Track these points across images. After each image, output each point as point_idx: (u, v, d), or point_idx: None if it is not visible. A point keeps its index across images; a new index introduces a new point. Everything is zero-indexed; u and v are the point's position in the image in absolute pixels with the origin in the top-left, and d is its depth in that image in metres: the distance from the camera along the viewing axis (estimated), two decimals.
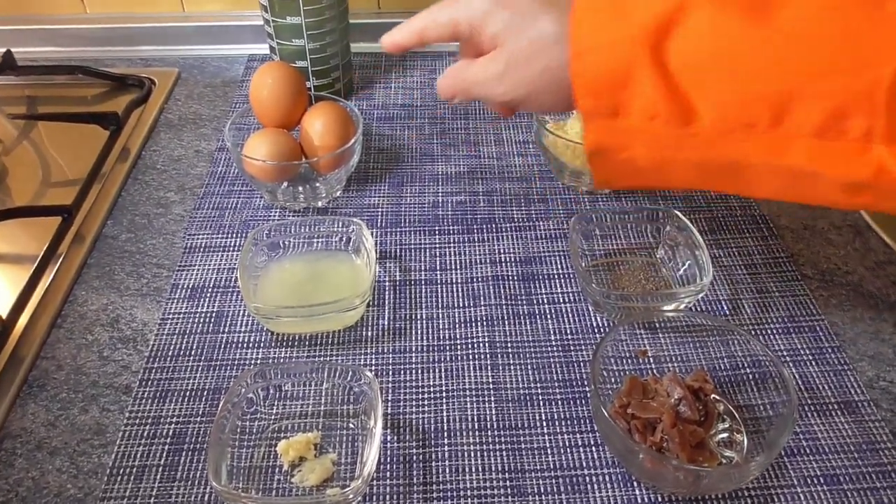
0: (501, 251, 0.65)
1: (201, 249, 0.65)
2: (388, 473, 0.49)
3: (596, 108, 0.42)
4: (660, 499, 0.48)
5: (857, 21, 0.36)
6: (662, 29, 0.39)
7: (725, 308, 0.60)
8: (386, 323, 0.59)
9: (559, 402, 0.53)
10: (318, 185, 0.68)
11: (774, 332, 0.58)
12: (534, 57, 0.46)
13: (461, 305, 0.60)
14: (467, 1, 0.49)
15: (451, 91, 0.52)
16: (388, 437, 0.51)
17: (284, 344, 0.57)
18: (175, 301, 0.60)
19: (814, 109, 0.37)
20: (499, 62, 0.47)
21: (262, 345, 0.57)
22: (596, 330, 0.58)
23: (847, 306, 0.61)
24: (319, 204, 0.70)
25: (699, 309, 0.60)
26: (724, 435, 0.51)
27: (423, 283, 0.62)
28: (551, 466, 0.50)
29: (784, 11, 0.38)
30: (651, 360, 0.55)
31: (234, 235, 0.67)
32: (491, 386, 0.54)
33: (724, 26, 0.39)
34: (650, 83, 0.40)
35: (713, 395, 0.52)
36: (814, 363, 0.56)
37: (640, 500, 0.48)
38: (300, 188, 0.68)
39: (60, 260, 0.64)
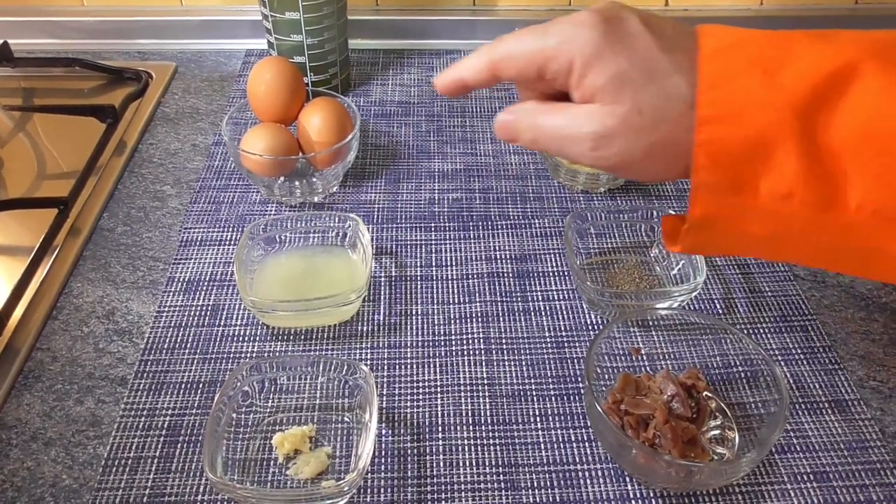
0: (497, 248, 0.65)
1: (197, 243, 0.65)
2: (382, 467, 0.49)
3: (715, 184, 0.36)
4: (651, 494, 0.48)
5: None
6: (819, 96, 0.33)
7: (718, 307, 0.61)
8: (381, 318, 0.59)
9: (553, 398, 0.54)
10: (314, 180, 0.69)
11: (767, 331, 0.59)
12: (655, 123, 0.37)
13: (456, 301, 0.61)
14: (565, 31, 0.38)
15: (517, 135, 0.41)
16: (383, 431, 0.51)
17: (280, 338, 0.58)
18: (171, 294, 0.61)
19: None
20: (603, 121, 0.37)
21: (257, 338, 0.58)
22: (590, 327, 0.59)
23: (838, 307, 0.62)
24: (316, 199, 0.70)
25: (692, 308, 0.61)
26: (716, 432, 0.51)
27: (418, 279, 0.63)
28: (544, 461, 0.50)
29: None
30: (644, 357, 0.56)
31: (231, 230, 0.67)
32: (485, 381, 0.55)
33: (894, 102, 0.32)
34: (792, 160, 0.34)
35: (705, 393, 0.52)
36: (805, 362, 0.57)
37: (631, 496, 0.48)
38: (297, 183, 0.68)
39: (56, 252, 0.64)
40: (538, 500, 0.48)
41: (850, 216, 0.34)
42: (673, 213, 0.63)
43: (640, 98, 0.36)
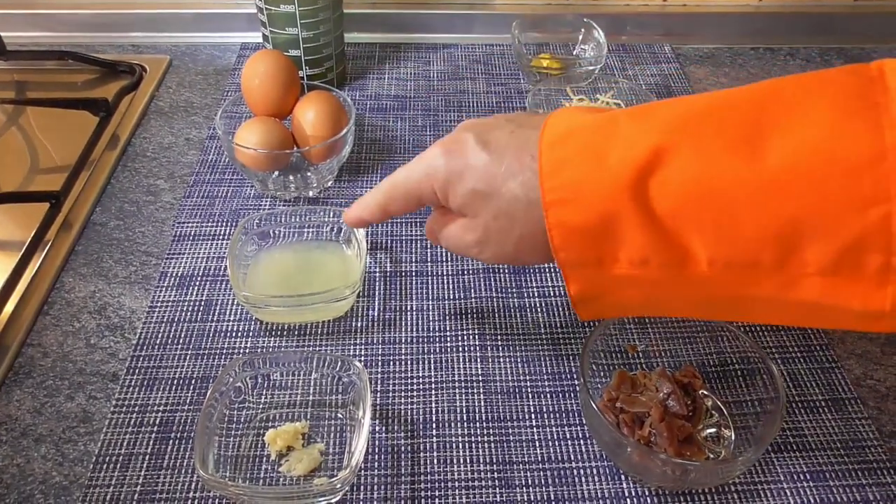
0: None
1: (191, 238, 0.65)
2: (376, 464, 0.49)
3: (578, 260, 0.40)
4: (647, 492, 0.48)
5: (858, 154, 0.33)
6: (643, 173, 0.37)
7: None
8: (376, 314, 0.59)
9: (548, 395, 0.53)
10: (309, 174, 0.68)
11: (763, 329, 0.59)
12: (509, 227, 0.43)
13: (451, 297, 0.60)
14: (421, 168, 0.46)
15: (435, 241, 0.50)
16: (377, 428, 0.51)
17: (273, 333, 0.57)
18: (163, 289, 0.60)
19: (824, 247, 0.34)
20: (475, 232, 0.45)
21: (250, 334, 0.57)
22: (585, 324, 0.58)
23: None
24: (310, 194, 0.69)
25: None
26: (712, 430, 0.51)
27: (413, 274, 0.62)
28: (539, 459, 0.50)
29: (773, 149, 0.35)
30: (640, 355, 0.55)
31: (224, 224, 0.66)
32: (480, 378, 0.54)
33: (710, 166, 0.36)
34: (637, 230, 0.37)
35: (702, 391, 0.52)
36: (802, 360, 0.56)
37: (626, 494, 0.48)
38: (291, 178, 0.68)
39: (48, 247, 0.63)
40: (532, 497, 0.47)
41: (707, 271, 0.37)
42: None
43: (490, 207, 0.43)
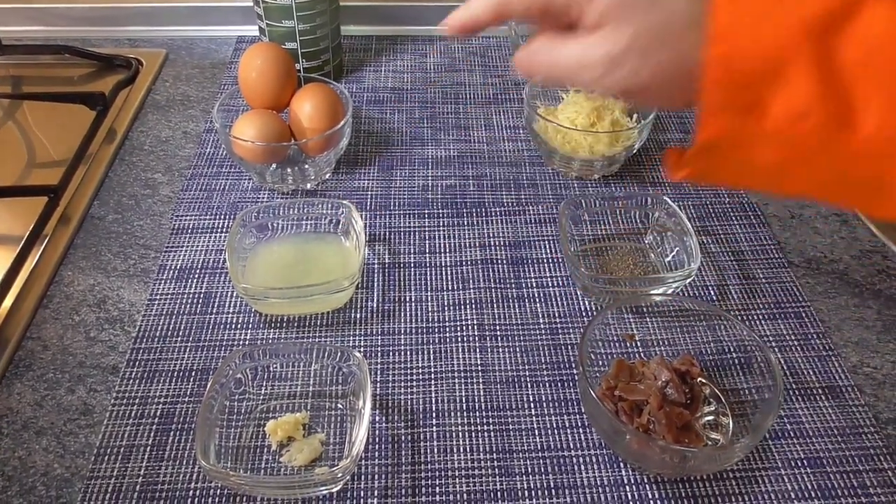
0: (491, 235, 0.65)
1: (189, 231, 0.65)
2: (376, 453, 0.49)
3: (726, 102, 0.35)
4: (645, 479, 0.48)
5: None
6: (831, 20, 0.33)
7: (713, 294, 0.61)
8: (375, 305, 0.59)
9: (546, 385, 0.54)
10: (306, 167, 0.68)
11: (760, 317, 0.59)
12: (662, 41, 0.37)
13: (450, 288, 0.60)
14: None
15: (535, 68, 0.42)
16: (377, 418, 0.51)
17: (273, 325, 0.57)
18: (162, 282, 0.60)
19: None
20: (613, 44, 0.38)
21: (250, 326, 0.57)
22: (584, 314, 0.59)
23: (832, 293, 0.61)
24: (308, 186, 0.70)
25: (687, 294, 0.61)
26: (710, 418, 0.51)
27: (412, 265, 0.62)
28: (538, 447, 0.50)
29: None
30: (638, 343, 0.55)
31: (223, 217, 0.66)
32: (479, 368, 0.55)
33: None
34: (806, 78, 0.33)
35: (700, 379, 0.52)
36: (799, 349, 0.57)
37: (625, 481, 0.48)
38: (289, 170, 0.68)
39: (46, 240, 0.63)
40: (532, 485, 0.48)
41: (865, 141, 0.34)
42: (665, 197, 0.63)
43: (646, 18, 0.37)
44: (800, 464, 0.50)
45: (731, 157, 0.37)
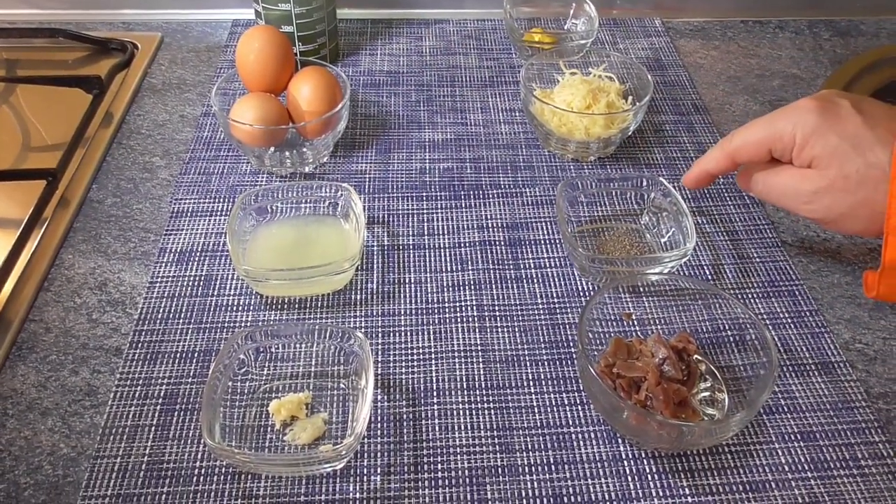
0: (488, 217, 0.66)
1: (188, 214, 0.65)
2: (379, 431, 0.50)
3: None
4: (643, 454, 0.49)
5: None
6: None
7: (708, 273, 0.62)
8: (375, 287, 0.60)
9: (545, 363, 0.54)
10: (305, 150, 0.68)
11: (755, 296, 0.60)
12: (858, 187, 0.47)
13: (449, 269, 0.61)
14: (791, 116, 0.50)
15: (753, 188, 0.55)
16: (379, 397, 0.52)
17: (274, 307, 0.58)
18: (163, 265, 0.61)
19: None
20: (816, 182, 0.49)
21: (251, 308, 0.58)
22: (581, 294, 0.59)
23: (825, 272, 0.62)
24: (306, 169, 0.70)
25: (682, 274, 0.61)
26: (706, 394, 0.52)
27: (411, 247, 0.63)
28: (538, 424, 0.51)
29: None
30: (635, 322, 0.56)
31: (221, 200, 0.67)
32: (479, 347, 0.55)
33: None
34: None
35: (696, 356, 0.53)
36: (792, 326, 0.58)
37: (624, 456, 0.49)
38: (287, 153, 0.68)
39: (46, 224, 0.63)
40: (532, 461, 0.49)
41: None
42: (661, 178, 0.63)
43: (847, 166, 0.47)
44: (793, 437, 0.51)
45: None
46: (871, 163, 0.46)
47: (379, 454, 0.49)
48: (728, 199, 0.68)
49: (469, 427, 0.51)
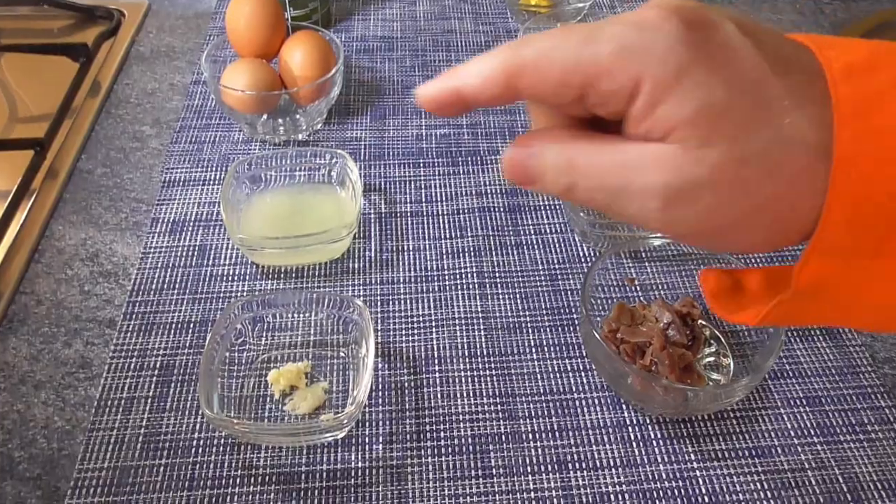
0: (487, 183, 0.64)
1: (180, 183, 0.64)
2: (380, 400, 0.49)
3: (850, 245, 0.25)
4: (648, 420, 0.49)
5: None
6: None
7: None
8: (372, 255, 0.58)
9: (547, 329, 0.54)
10: (298, 117, 0.67)
11: (759, 260, 0.59)
12: (769, 178, 0.25)
13: (448, 237, 0.60)
14: (628, 36, 0.25)
15: (539, 176, 0.27)
16: (380, 365, 0.51)
17: (270, 277, 0.57)
18: (156, 235, 0.59)
19: None
20: (684, 169, 0.25)
21: (247, 278, 0.57)
22: (582, 259, 0.59)
23: None
24: (300, 137, 0.68)
25: None
26: (711, 359, 0.51)
27: (408, 214, 0.62)
28: (541, 391, 0.50)
29: None
30: (638, 287, 0.55)
31: (214, 169, 0.65)
32: (480, 314, 0.54)
33: None
34: None
35: (700, 321, 0.53)
36: None
37: (628, 422, 0.49)
38: (280, 120, 0.67)
39: (35, 195, 0.62)
40: (536, 427, 0.48)
41: None
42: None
43: (746, 141, 0.25)
44: (799, 402, 0.50)
45: (835, 300, 0.28)
46: (789, 136, 0.24)
47: (380, 423, 0.48)
48: None
49: (471, 394, 0.50)
